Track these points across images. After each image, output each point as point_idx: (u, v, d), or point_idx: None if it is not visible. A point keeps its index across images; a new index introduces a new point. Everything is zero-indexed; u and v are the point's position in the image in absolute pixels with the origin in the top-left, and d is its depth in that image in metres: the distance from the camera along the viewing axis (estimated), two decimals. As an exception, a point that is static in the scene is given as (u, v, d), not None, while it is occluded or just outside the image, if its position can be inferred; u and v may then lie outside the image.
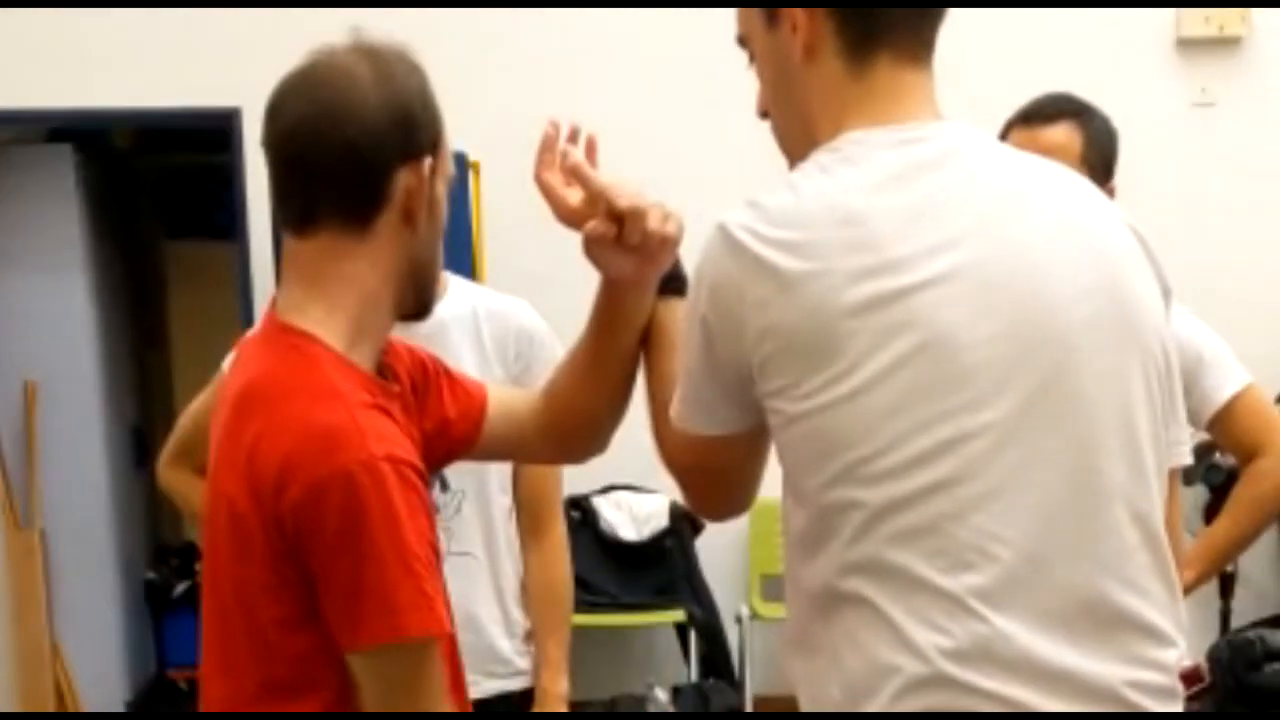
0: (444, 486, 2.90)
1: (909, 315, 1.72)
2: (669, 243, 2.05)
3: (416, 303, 2.01)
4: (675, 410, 1.91)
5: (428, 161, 1.91)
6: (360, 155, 1.87)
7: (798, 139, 1.93)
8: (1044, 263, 1.78)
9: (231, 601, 1.88)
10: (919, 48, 1.89)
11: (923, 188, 1.79)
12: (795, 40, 1.87)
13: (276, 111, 1.90)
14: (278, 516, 1.77)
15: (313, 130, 1.87)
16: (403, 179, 1.89)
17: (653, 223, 2.02)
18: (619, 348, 2.14)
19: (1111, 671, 1.76)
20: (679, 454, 1.98)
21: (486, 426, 2.18)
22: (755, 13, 1.91)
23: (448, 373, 2.19)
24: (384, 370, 2.00)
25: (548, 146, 2.15)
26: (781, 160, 2.00)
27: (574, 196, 2.11)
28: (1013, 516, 1.73)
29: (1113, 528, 1.78)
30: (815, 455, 1.75)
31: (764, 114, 1.98)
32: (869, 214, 1.76)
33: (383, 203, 1.89)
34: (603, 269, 2.09)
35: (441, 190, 1.96)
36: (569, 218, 2.11)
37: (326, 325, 1.89)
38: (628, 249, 2.03)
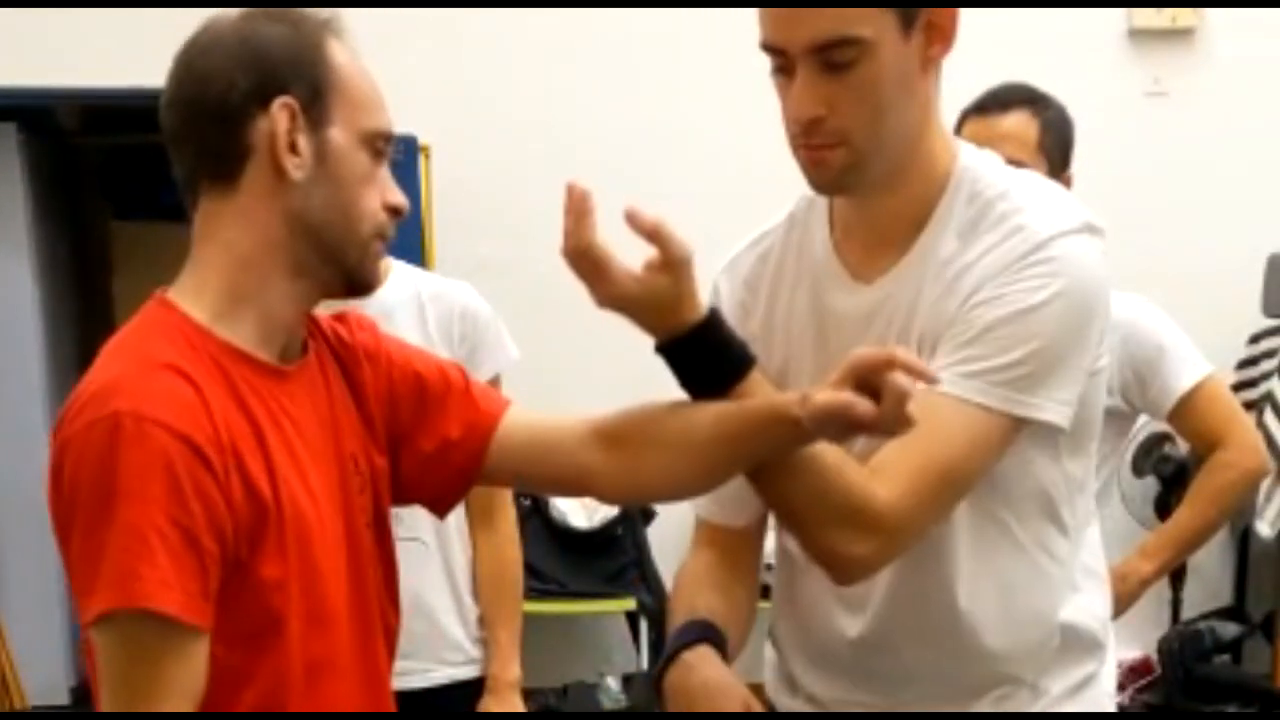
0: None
1: None
2: None
3: (338, 273, 1.86)
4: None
5: (283, 100, 1.78)
6: (206, 107, 1.79)
7: (890, 152, 1.89)
8: None
9: None
10: None
11: None
12: (924, 51, 1.87)
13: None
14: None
15: (171, 92, 1.82)
16: (260, 125, 1.78)
17: None
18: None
19: None
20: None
21: (500, 452, 2.00)
22: (890, 19, 1.82)
23: (466, 389, 2.03)
24: (304, 347, 1.91)
25: (583, 210, 1.91)
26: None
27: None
28: None
29: None
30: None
31: (814, 120, 1.85)
32: None
33: (243, 154, 1.79)
34: None
35: (341, 141, 1.82)
36: (630, 292, 1.84)
37: (192, 294, 1.83)
38: None
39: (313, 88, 1.80)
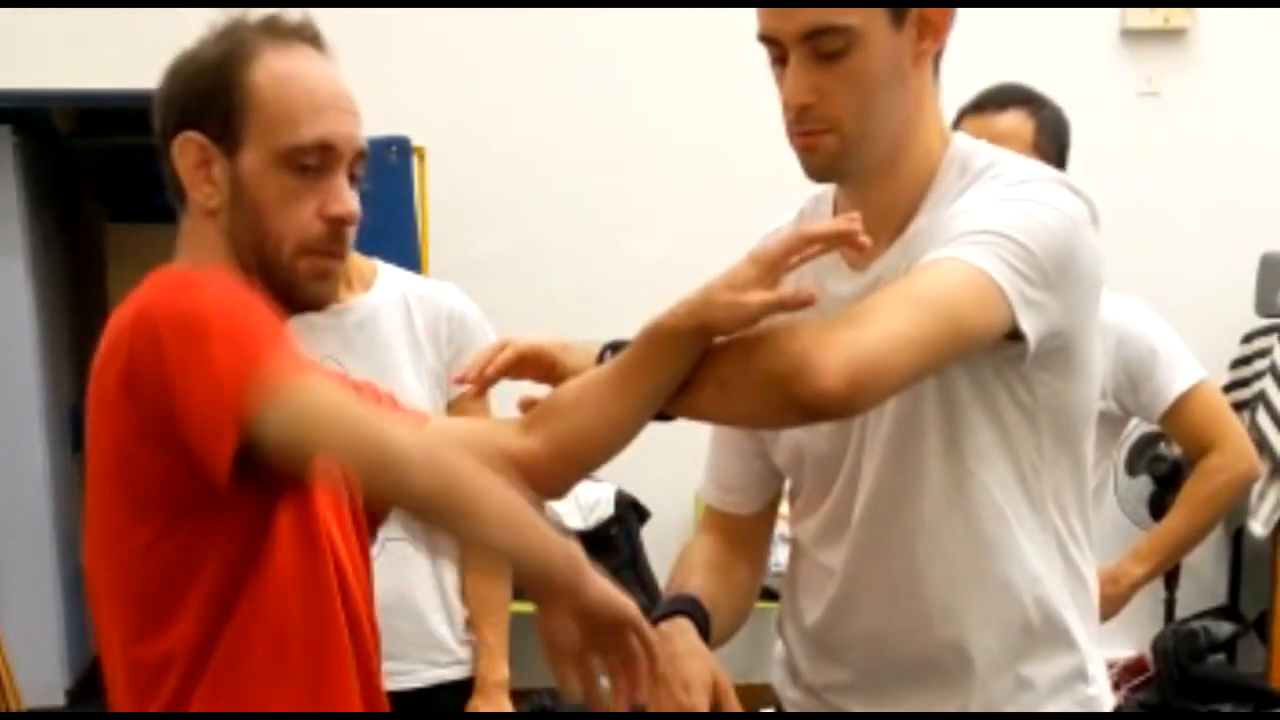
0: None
1: None
2: None
3: (277, 292, 1.86)
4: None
5: (185, 137, 1.83)
6: (158, 134, 1.86)
7: (880, 139, 1.94)
8: None
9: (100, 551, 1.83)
10: None
11: None
12: (915, 44, 1.92)
13: None
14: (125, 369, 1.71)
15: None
16: (175, 153, 1.85)
17: None
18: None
19: None
20: None
21: None
22: (880, 10, 1.88)
23: (393, 402, 2.10)
24: None
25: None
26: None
27: None
28: None
29: None
30: None
31: (804, 107, 1.91)
32: None
33: (178, 183, 1.87)
34: None
35: (253, 165, 1.84)
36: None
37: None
38: None
39: (224, 117, 1.83)
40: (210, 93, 1.83)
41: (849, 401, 1.72)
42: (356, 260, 2.94)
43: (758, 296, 1.73)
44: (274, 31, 1.87)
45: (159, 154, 1.86)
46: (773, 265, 1.76)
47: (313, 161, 1.85)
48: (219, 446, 1.64)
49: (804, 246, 1.78)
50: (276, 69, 1.84)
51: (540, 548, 1.70)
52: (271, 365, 1.64)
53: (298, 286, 1.88)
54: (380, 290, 2.97)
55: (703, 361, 1.80)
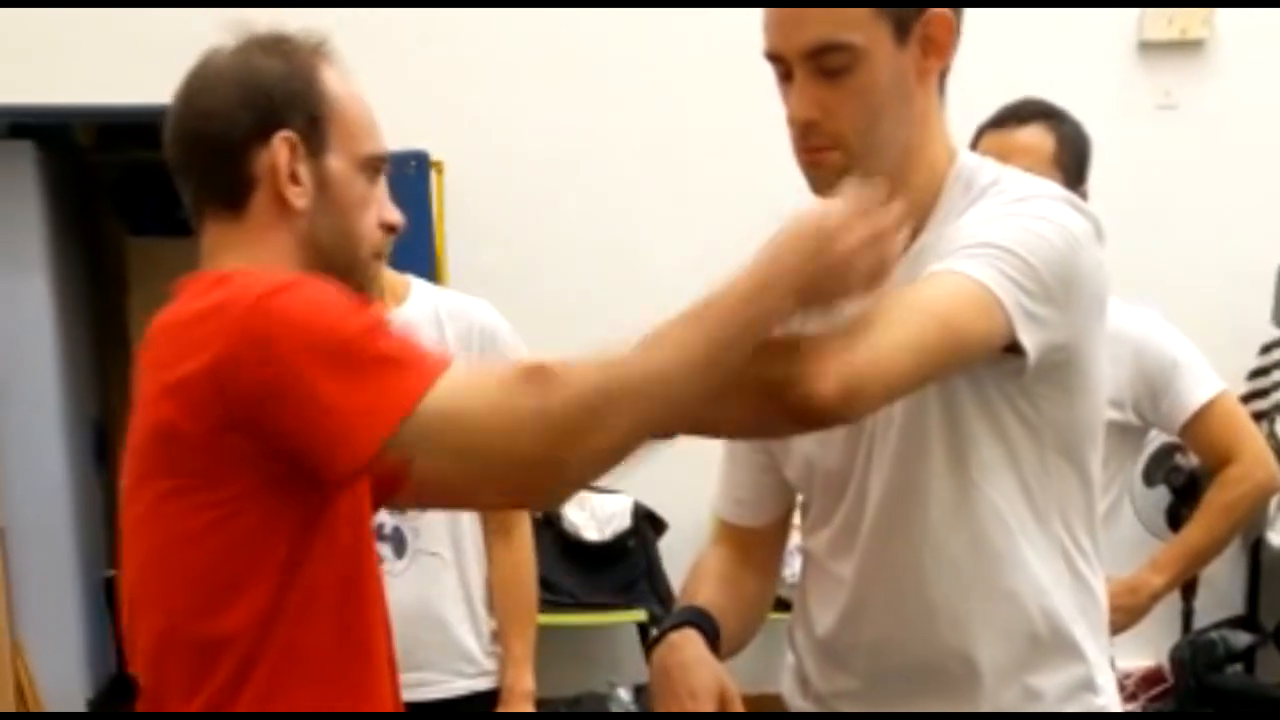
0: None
1: None
2: None
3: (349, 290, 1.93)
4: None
5: (283, 135, 1.87)
6: (210, 140, 1.88)
7: (885, 156, 1.94)
8: None
9: (149, 544, 1.84)
10: None
11: None
12: (920, 61, 1.93)
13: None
14: (220, 380, 1.71)
15: (174, 127, 1.91)
16: (262, 158, 1.87)
17: None
18: None
19: None
20: None
21: None
22: (883, 28, 1.89)
23: None
24: None
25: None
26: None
27: None
28: None
29: None
30: None
31: (809, 123, 1.92)
32: None
33: (247, 186, 1.88)
34: None
35: (339, 168, 1.91)
36: None
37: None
38: None
39: (310, 119, 1.89)
40: (294, 97, 1.88)
41: (844, 408, 1.71)
42: (389, 274, 2.96)
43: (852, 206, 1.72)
44: (320, 50, 1.94)
45: (208, 161, 1.89)
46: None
47: (380, 169, 1.97)
48: (350, 459, 1.69)
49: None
50: (341, 82, 1.94)
51: (771, 273, 1.69)
52: (417, 386, 1.68)
53: (366, 288, 1.97)
54: (413, 304, 3.00)
55: None
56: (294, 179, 1.88)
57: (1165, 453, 5.49)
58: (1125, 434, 3.20)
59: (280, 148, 1.87)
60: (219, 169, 1.88)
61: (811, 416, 1.72)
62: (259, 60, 1.89)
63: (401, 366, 1.69)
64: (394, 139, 2.78)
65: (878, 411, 1.87)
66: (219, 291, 1.76)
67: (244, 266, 1.85)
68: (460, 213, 6.00)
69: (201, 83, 1.90)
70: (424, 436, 1.67)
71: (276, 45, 1.91)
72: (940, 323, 1.76)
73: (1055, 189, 1.98)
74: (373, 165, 1.95)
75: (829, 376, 1.68)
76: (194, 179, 1.91)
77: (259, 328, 1.69)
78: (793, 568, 2.31)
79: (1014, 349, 1.83)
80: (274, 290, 1.72)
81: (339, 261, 1.92)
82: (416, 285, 3.06)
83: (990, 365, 1.87)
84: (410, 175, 5.51)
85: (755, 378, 1.74)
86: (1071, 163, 3.04)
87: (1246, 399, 5.84)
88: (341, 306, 1.74)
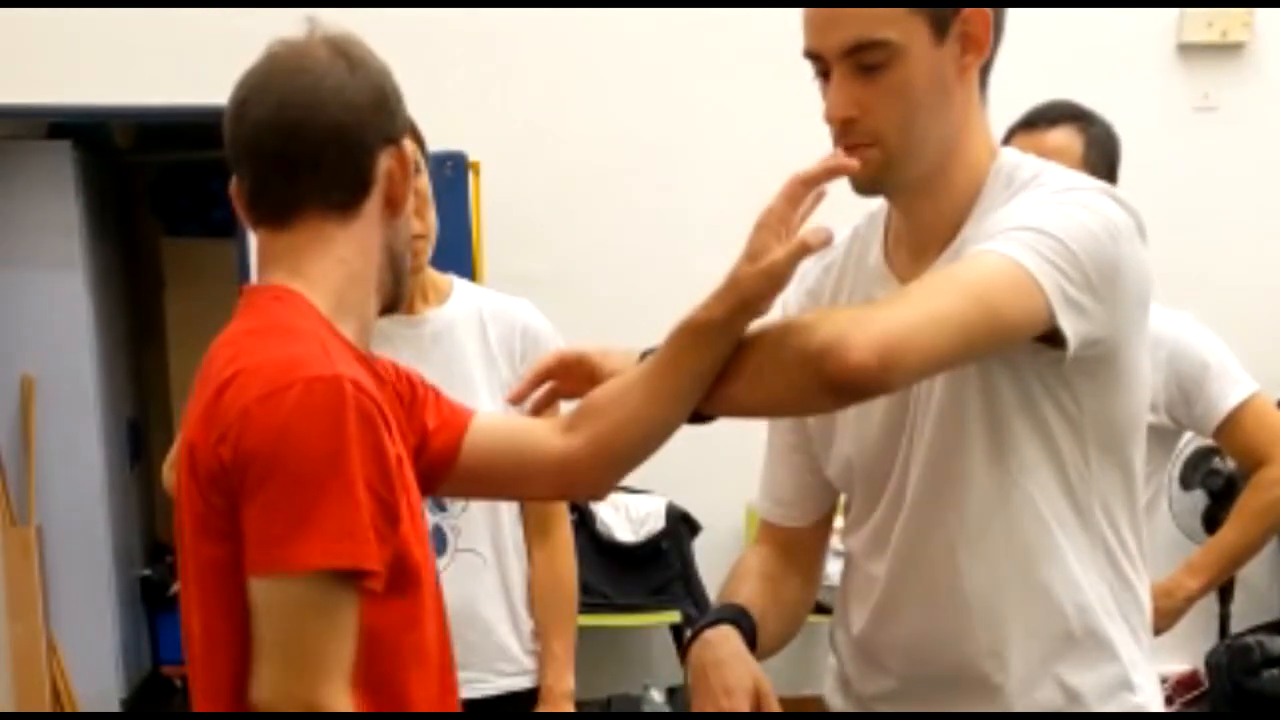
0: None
1: None
2: None
3: (397, 294, 1.99)
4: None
5: (408, 145, 1.92)
6: (347, 138, 1.85)
7: (925, 153, 1.95)
8: None
9: (196, 568, 1.81)
10: None
11: None
12: (959, 58, 1.93)
13: (243, 109, 1.87)
14: (235, 439, 1.70)
15: (294, 120, 1.84)
16: (385, 162, 1.88)
17: None
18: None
19: None
20: None
21: (473, 448, 2.07)
22: (921, 25, 1.90)
23: (437, 393, 2.12)
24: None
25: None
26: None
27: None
28: None
29: None
30: None
31: (847, 121, 1.93)
32: None
33: (368, 187, 1.88)
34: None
35: (423, 182, 1.98)
36: None
37: (310, 292, 1.86)
38: None
39: (413, 131, 1.92)
40: (398, 108, 1.92)
41: (881, 377, 1.70)
42: (432, 274, 2.97)
43: (780, 251, 1.77)
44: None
45: (335, 156, 1.87)
46: (781, 219, 1.80)
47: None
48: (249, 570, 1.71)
49: (801, 190, 1.83)
50: None
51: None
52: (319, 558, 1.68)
53: (408, 289, 2.07)
54: (455, 303, 3.00)
55: (736, 353, 1.84)
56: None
57: (1202, 456, 5.47)
58: (1160, 437, 3.19)
59: (406, 154, 1.92)
60: (345, 166, 1.86)
61: (849, 387, 1.73)
62: (372, 62, 1.89)
63: (325, 527, 1.68)
64: (432, 140, 2.80)
65: (916, 388, 1.89)
66: (243, 358, 1.76)
67: (331, 268, 1.86)
68: (497, 213, 6.01)
69: (325, 79, 1.84)
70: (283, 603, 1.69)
71: (366, 47, 1.91)
72: (977, 299, 1.75)
73: (1097, 183, 1.98)
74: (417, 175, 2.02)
75: (867, 346, 1.69)
76: (309, 175, 1.85)
77: (249, 442, 1.69)
78: (829, 570, 2.31)
79: (1054, 340, 1.82)
80: (266, 395, 1.70)
81: (402, 269, 1.97)
82: (459, 285, 3.07)
83: (1031, 355, 1.87)
84: (448, 176, 5.53)
85: (793, 349, 1.76)
86: (1100, 165, 3.03)
87: (1284, 403, 5.81)
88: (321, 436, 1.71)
